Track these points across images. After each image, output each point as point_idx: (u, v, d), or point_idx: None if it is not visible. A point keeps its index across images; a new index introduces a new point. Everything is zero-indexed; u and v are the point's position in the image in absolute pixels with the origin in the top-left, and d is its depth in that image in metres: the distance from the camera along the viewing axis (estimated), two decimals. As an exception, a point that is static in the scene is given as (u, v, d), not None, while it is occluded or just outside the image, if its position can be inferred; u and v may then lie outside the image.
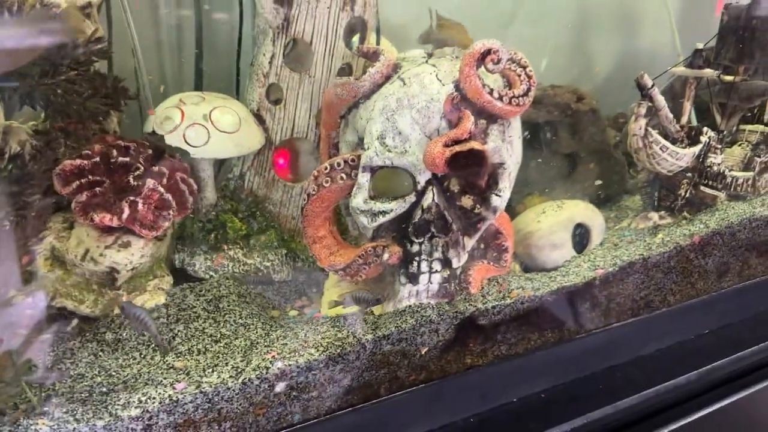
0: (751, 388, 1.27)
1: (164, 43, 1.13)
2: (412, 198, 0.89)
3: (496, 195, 0.92)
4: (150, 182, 0.87)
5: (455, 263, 0.92)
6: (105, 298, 0.89)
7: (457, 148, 0.83)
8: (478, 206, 0.92)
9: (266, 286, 1.03)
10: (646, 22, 1.67)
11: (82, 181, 0.86)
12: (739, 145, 1.30)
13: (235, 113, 0.95)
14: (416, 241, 0.90)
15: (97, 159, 0.87)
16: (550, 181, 1.27)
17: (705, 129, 1.14)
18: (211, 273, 1.00)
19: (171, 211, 0.90)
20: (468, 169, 0.86)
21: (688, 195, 1.16)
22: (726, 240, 1.19)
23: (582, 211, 1.11)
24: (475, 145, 0.84)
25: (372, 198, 0.89)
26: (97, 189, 0.86)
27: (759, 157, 1.29)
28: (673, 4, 1.69)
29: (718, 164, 1.17)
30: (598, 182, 1.26)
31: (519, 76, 0.93)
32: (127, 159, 0.88)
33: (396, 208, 0.89)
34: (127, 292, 0.92)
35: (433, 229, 0.89)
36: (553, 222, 1.07)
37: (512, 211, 1.19)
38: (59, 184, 0.85)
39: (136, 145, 0.89)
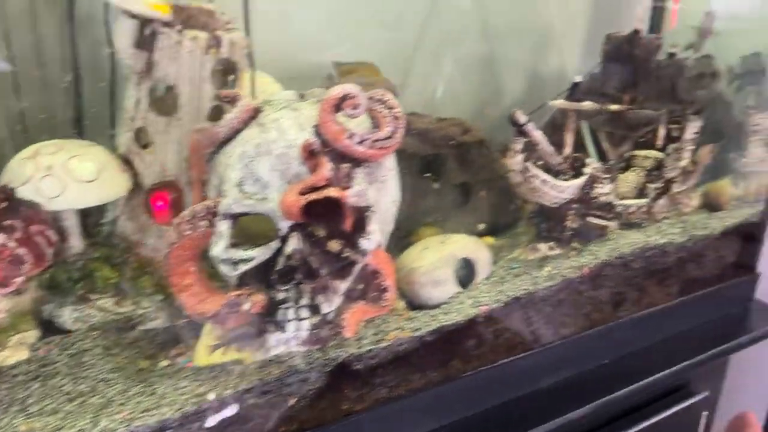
0: (652, 418, 1.28)
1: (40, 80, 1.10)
2: (275, 245, 0.87)
3: (364, 238, 0.90)
4: (-2, 237, 0.83)
5: (325, 309, 0.90)
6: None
7: (313, 195, 0.81)
8: (346, 250, 0.90)
9: (140, 334, 1.00)
10: (553, 44, 1.68)
11: None
12: (633, 171, 1.32)
13: (95, 160, 0.92)
14: (281, 288, 0.88)
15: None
16: (444, 212, 1.26)
17: (588, 160, 1.15)
18: (79, 324, 0.96)
19: (25, 266, 0.86)
20: (326, 216, 0.84)
21: (575, 226, 1.16)
22: (618, 270, 1.20)
23: (466, 245, 1.11)
24: (331, 192, 0.83)
25: (233, 246, 0.87)
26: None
27: (653, 183, 1.31)
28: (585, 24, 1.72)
29: (606, 194, 1.18)
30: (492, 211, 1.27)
31: (385, 117, 0.92)
32: (-27, 214, 0.84)
33: (259, 255, 0.87)
34: (-15, 349, 0.87)
35: (298, 276, 0.87)
36: (436, 258, 1.06)
37: (406, 243, 1.18)
38: None
39: (-15, 199, 0.85)
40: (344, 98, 0.87)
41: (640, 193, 1.29)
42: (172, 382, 0.87)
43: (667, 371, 1.27)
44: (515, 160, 1.07)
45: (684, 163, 1.35)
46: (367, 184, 0.91)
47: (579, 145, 1.32)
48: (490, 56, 1.60)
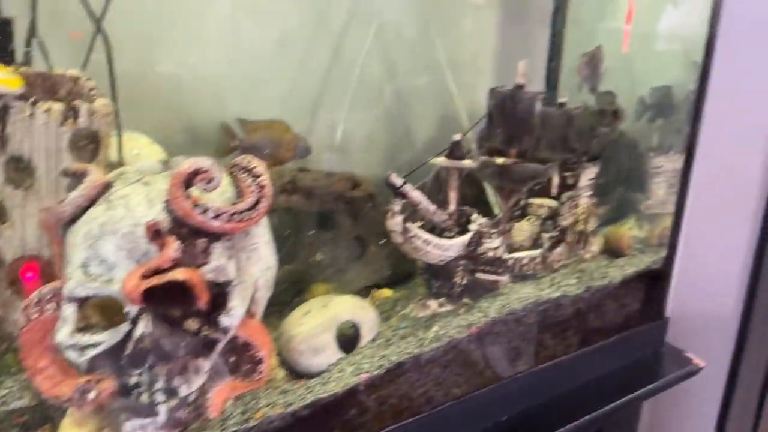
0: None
1: None
2: (125, 328, 0.83)
3: (225, 315, 0.87)
4: None
5: (184, 390, 0.87)
6: None
7: (154, 280, 0.79)
8: (204, 329, 0.87)
9: (3, 416, 0.95)
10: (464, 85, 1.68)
11: None
12: (528, 220, 1.32)
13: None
14: (133, 373, 0.84)
15: None
16: (340, 267, 1.25)
17: (474, 216, 1.15)
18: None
19: None
20: (174, 298, 0.81)
21: (465, 282, 1.15)
22: (511, 326, 1.19)
23: (350, 307, 1.08)
24: (177, 274, 0.80)
25: (80, 330, 0.83)
26: None
27: (548, 232, 1.31)
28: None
29: (495, 248, 1.17)
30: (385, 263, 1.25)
31: (249, 187, 0.90)
32: None
33: (107, 339, 0.83)
34: None
35: (151, 359, 0.84)
36: (316, 323, 1.04)
37: (299, 302, 1.15)
38: None
39: None
40: (196, 172, 0.85)
41: (535, 242, 1.29)
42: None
43: (576, 422, 1.25)
44: (395, 221, 1.06)
45: (581, 210, 1.35)
46: (227, 258, 0.88)
47: (478, 200, 1.32)
48: (400, 100, 1.60)
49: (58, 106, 0.92)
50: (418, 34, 1.55)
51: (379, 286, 1.27)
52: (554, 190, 1.33)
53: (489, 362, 1.18)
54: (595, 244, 1.41)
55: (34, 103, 0.90)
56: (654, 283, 1.43)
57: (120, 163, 1.05)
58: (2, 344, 1.00)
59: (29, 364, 0.88)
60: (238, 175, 0.92)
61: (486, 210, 1.31)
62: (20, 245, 0.97)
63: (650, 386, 1.40)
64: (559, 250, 1.32)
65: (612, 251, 1.42)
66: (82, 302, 0.83)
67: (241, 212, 0.88)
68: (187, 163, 0.84)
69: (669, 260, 1.44)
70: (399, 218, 1.06)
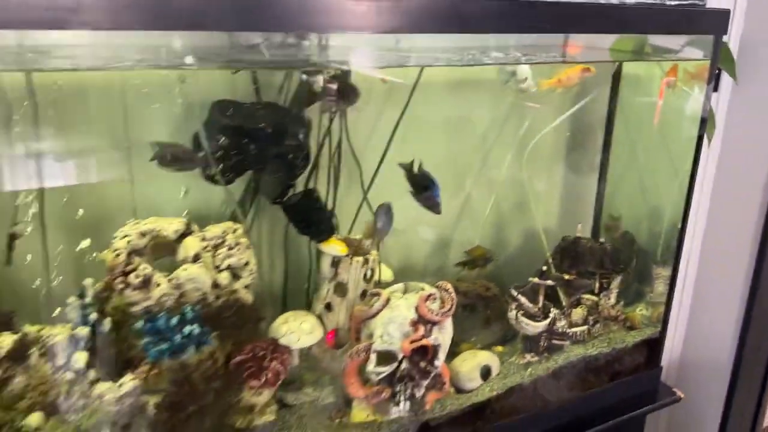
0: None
1: None
2: (395, 365, 1.86)
3: (436, 360, 1.89)
4: None
5: (417, 394, 1.89)
6: None
7: (414, 344, 1.81)
8: (428, 366, 1.89)
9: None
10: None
11: None
12: (581, 308, 2.30)
13: (311, 322, 1.93)
14: (397, 385, 1.86)
15: None
16: (476, 333, 2.25)
17: (552, 309, 2.15)
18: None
19: (281, 375, 1.86)
20: (420, 351, 1.83)
21: (545, 344, 2.15)
22: (569, 370, 2.17)
23: (486, 356, 2.09)
24: (423, 341, 1.82)
25: (377, 365, 1.86)
26: None
27: (591, 315, 2.30)
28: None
29: (562, 326, 2.17)
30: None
31: (446, 300, 1.92)
32: None
33: (388, 370, 1.86)
34: None
35: (405, 379, 1.86)
36: (470, 366, 2.05)
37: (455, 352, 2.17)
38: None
39: None
40: (429, 296, 1.87)
41: (585, 321, 2.28)
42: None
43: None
44: (510, 315, 2.07)
45: (612, 301, 2.34)
46: (438, 333, 1.90)
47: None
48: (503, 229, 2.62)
49: (360, 258, 1.97)
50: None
51: (496, 345, 2.27)
52: (596, 291, 2.32)
53: (558, 391, 2.16)
54: (620, 321, 2.39)
55: (351, 257, 1.96)
56: (654, 344, 2.39)
57: (378, 283, 2.08)
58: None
59: (348, 381, 1.91)
60: (442, 292, 1.94)
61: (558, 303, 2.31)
62: (335, 324, 2.02)
63: (645, 408, 2.35)
64: (597, 326, 2.30)
65: (629, 326, 2.40)
66: (378, 353, 1.86)
67: (444, 312, 1.90)
68: (425, 292, 1.87)
69: (662, 332, 2.40)
70: (514, 312, 2.07)
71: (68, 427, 1.45)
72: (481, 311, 2.21)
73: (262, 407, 1.83)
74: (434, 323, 1.88)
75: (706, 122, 2.10)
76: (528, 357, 2.14)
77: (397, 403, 1.86)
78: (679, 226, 2.21)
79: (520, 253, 2.54)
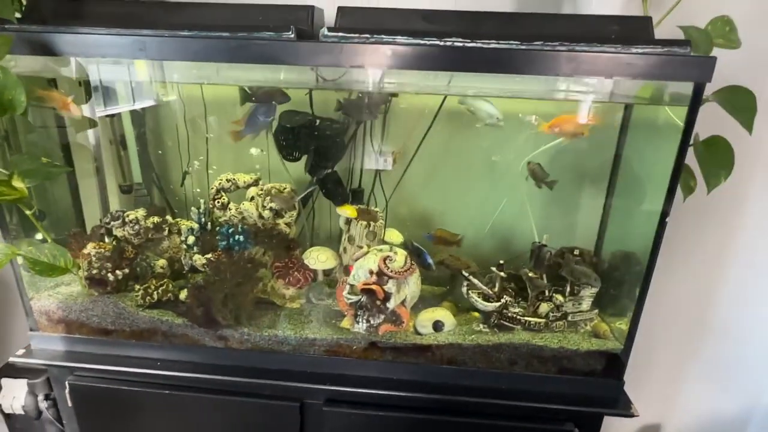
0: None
1: None
2: (358, 298, 2.74)
3: (388, 303, 2.69)
4: None
5: (373, 321, 2.74)
6: None
7: (366, 286, 2.66)
8: (382, 305, 2.71)
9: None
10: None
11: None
12: (546, 303, 2.70)
13: (327, 253, 2.95)
14: (359, 311, 2.75)
15: None
16: (447, 295, 2.92)
17: (505, 296, 2.66)
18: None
19: (301, 281, 2.95)
20: (371, 293, 2.67)
21: (496, 322, 2.69)
22: (510, 348, 2.68)
23: (442, 314, 2.77)
24: (373, 287, 2.66)
25: (349, 294, 2.78)
26: None
27: (553, 313, 2.69)
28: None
29: (515, 312, 2.66)
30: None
31: (409, 263, 2.68)
32: None
33: (355, 299, 2.75)
34: None
35: (365, 307, 2.73)
36: (427, 317, 2.78)
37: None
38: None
39: None
40: (387, 257, 2.66)
41: (546, 315, 2.68)
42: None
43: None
44: (463, 290, 2.69)
45: (584, 307, 2.66)
46: (392, 285, 2.67)
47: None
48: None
49: (364, 222, 2.87)
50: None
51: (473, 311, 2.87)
52: (567, 293, 2.67)
53: (492, 362, 2.69)
54: (587, 326, 2.65)
55: (358, 220, 2.87)
56: (613, 359, 2.59)
57: (384, 242, 2.94)
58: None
59: (338, 297, 2.87)
60: (408, 258, 2.70)
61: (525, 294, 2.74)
62: (348, 262, 2.98)
63: (604, 410, 2.60)
64: (560, 323, 2.67)
65: (596, 334, 2.64)
66: (350, 286, 2.76)
67: (397, 272, 2.66)
68: (385, 251, 2.67)
69: (625, 349, 2.56)
70: (465, 288, 2.68)
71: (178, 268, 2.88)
72: (460, 283, 2.85)
73: (291, 297, 2.97)
74: (389, 277, 2.68)
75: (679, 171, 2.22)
76: (481, 327, 2.73)
77: (358, 323, 2.75)
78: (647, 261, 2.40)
79: (509, 246, 3.01)
